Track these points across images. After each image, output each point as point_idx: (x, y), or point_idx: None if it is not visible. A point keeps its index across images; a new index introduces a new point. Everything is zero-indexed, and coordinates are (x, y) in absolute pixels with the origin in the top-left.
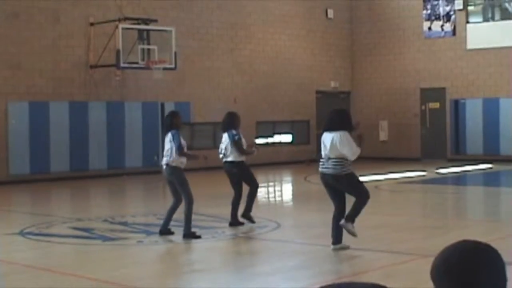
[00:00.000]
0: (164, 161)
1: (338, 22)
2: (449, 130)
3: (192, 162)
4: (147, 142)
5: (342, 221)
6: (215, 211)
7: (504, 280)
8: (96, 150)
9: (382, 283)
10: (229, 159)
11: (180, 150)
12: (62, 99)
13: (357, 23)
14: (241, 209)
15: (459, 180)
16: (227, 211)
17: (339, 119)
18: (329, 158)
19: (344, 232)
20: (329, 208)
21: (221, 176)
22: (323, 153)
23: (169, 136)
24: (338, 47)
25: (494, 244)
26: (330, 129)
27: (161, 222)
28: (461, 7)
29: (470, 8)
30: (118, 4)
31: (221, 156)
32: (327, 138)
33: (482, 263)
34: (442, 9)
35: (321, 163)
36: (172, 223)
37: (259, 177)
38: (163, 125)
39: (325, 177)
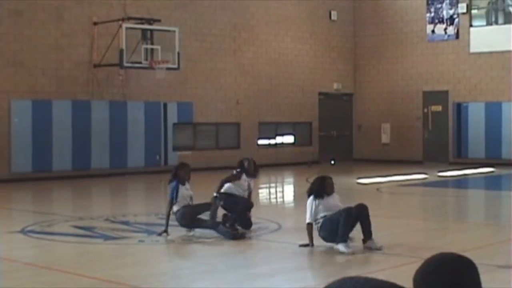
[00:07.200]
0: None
1: (341, 24)
2: (451, 133)
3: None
4: (149, 142)
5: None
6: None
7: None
8: (98, 149)
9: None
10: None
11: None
12: (65, 97)
13: (361, 25)
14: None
15: (461, 183)
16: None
17: None
18: None
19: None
20: None
21: (222, 176)
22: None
23: (172, 185)
24: (341, 49)
25: (494, 248)
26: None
27: (163, 221)
28: (464, 10)
29: (473, 11)
30: (122, 4)
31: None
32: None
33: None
34: (445, 12)
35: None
36: (170, 222)
37: (261, 178)
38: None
39: None
